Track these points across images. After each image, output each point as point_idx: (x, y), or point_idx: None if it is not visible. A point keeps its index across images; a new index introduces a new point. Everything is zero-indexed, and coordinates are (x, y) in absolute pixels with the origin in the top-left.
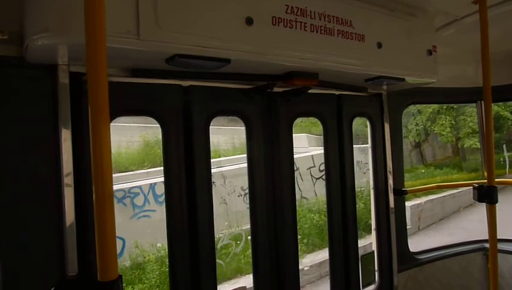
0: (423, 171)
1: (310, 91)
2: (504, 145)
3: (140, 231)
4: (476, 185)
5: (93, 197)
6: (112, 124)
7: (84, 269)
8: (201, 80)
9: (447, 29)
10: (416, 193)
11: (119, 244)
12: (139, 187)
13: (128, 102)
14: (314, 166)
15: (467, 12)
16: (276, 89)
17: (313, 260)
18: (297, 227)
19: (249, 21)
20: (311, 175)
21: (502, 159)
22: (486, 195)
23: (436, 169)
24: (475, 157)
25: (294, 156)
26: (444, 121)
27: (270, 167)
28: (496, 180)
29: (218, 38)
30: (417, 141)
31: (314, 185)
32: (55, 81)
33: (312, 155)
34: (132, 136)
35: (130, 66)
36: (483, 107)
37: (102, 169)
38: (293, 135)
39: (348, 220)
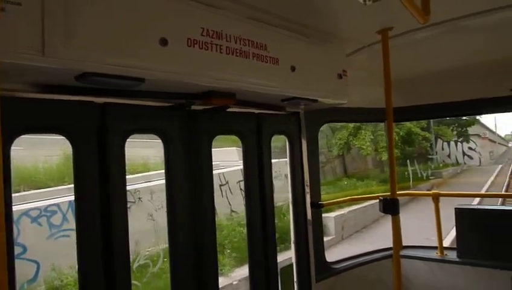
0: (346, 183)
1: (229, 110)
2: (408, 161)
3: (58, 252)
4: (381, 198)
5: None
6: (28, 136)
7: None
8: (117, 97)
9: (358, 54)
10: (341, 204)
11: (33, 268)
12: (57, 205)
13: (36, 119)
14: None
15: (373, 41)
16: (196, 107)
17: (242, 274)
18: (227, 241)
19: (164, 42)
20: (241, 189)
21: (406, 172)
22: (390, 207)
23: (358, 181)
24: (398, 169)
25: (224, 170)
26: (364, 136)
27: (189, 185)
28: (398, 192)
29: (132, 57)
30: (340, 154)
31: (244, 198)
32: None
33: (241, 169)
34: (52, 149)
35: (40, 81)
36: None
37: None
38: (224, 148)
39: (268, 235)
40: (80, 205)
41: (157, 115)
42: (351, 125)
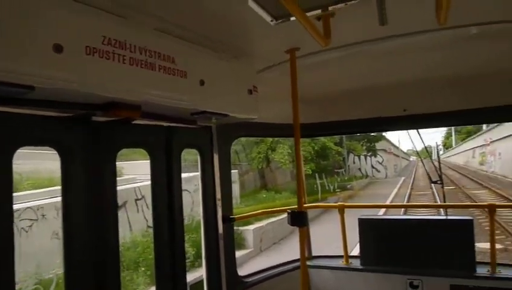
0: (264, 195)
1: (136, 122)
2: (316, 174)
3: None
4: (289, 211)
5: None
6: None
7: None
8: (3, 105)
9: (268, 72)
10: (260, 217)
11: None
12: None
13: None
14: None
15: (282, 60)
16: (98, 119)
17: None
18: (142, 258)
19: (58, 48)
20: None
21: (315, 185)
22: (298, 219)
23: (276, 193)
24: (309, 182)
25: (140, 184)
26: (282, 150)
27: (89, 202)
28: (306, 205)
29: (18, 62)
30: (260, 167)
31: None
32: None
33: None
34: None
35: None
36: None
37: None
38: (142, 161)
39: (176, 251)
40: None
41: (53, 125)
42: (270, 139)
